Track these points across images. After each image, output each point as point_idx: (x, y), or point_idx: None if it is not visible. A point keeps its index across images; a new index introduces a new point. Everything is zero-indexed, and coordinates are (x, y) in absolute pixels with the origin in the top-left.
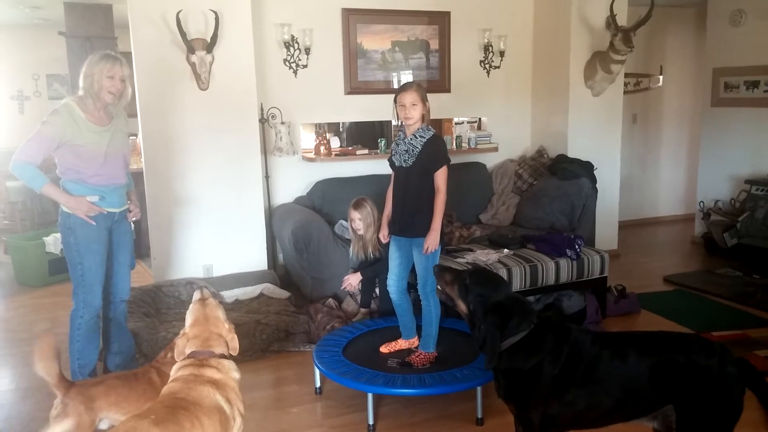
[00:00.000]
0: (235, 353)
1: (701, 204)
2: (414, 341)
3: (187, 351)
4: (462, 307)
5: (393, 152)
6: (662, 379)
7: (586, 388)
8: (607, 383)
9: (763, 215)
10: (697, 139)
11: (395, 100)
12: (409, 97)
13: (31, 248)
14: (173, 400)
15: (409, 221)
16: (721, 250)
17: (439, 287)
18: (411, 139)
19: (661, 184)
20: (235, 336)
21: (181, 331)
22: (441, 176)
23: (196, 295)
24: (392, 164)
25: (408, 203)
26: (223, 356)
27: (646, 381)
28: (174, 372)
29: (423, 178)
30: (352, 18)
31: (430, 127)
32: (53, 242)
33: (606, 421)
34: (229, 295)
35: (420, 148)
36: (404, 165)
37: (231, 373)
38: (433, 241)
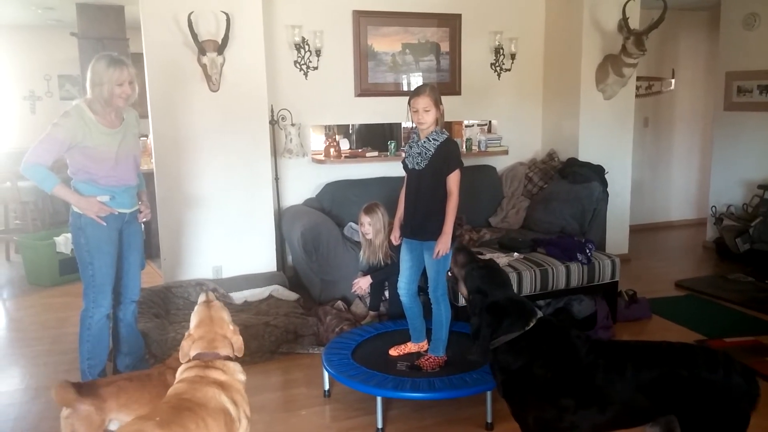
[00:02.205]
0: (240, 354)
1: (713, 209)
2: (423, 345)
3: (193, 353)
4: (463, 290)
5: (406, 154)
6: (664, 393)
7: (579, 396)
8: (602, 394)
9: None
10: (710, 144)
11: (409, 103)
12: (422, 102)
13: (41, 248)
14: (179, 401)
15: (421, 224)
16: (733, 256)
17: (450, 265)
18: (424, 142)
19: (673, 188)
20: (240, 337)
21: (186, 333)
22: (453, 180)
23: (202, 298)
24: (405, 166)
25: (420, 206)
26: (228, 358)
27: (646, 395)
28: (179, 373)
29: (435, 181)
30: (362, 20)
31: (444, 130)
32: (64, 242)
33: (603, 429)
34: (238, 296)
35: (433, 151)
36: (417, 168)
37: (236, 374)
38: (444, 245)
